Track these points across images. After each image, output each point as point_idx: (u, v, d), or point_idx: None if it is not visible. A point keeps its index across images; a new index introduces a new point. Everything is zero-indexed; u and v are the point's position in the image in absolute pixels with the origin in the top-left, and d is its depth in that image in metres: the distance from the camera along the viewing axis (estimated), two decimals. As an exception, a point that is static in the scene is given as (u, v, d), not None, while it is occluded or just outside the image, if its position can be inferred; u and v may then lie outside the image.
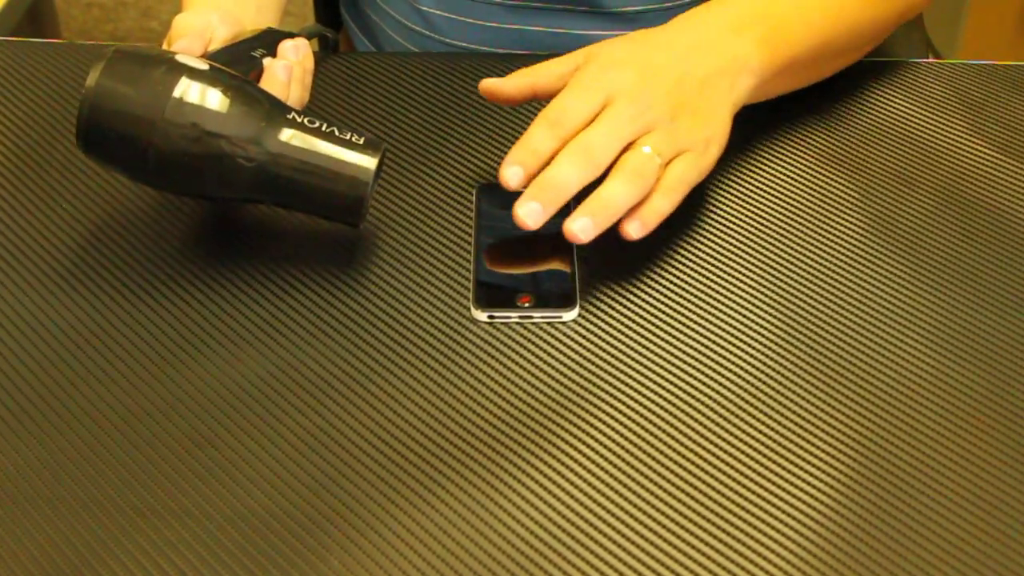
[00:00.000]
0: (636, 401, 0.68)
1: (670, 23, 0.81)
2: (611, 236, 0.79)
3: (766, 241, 0.78)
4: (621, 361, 0.70)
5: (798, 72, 0.85)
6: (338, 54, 0.96)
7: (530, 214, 0.71)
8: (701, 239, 0.78)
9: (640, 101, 0.74)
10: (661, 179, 0.73)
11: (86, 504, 0.62)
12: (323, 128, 0.73)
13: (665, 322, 0.73)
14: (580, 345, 0.71)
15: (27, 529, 0.61)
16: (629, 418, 0.67)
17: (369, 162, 0.72)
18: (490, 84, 0.80)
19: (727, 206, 0.81)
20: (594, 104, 0.74)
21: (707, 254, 0.77)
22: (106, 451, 0.65)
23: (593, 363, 0.70)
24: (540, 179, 0.72)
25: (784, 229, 0.79)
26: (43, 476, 0.64)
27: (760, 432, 0.66)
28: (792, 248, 0.78)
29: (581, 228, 0.71)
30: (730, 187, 0.82)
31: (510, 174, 0.73)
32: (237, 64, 0.76)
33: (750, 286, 0.75)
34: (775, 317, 0.73)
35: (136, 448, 0.65)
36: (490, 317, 0.72)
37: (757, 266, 0.77)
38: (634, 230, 0.72)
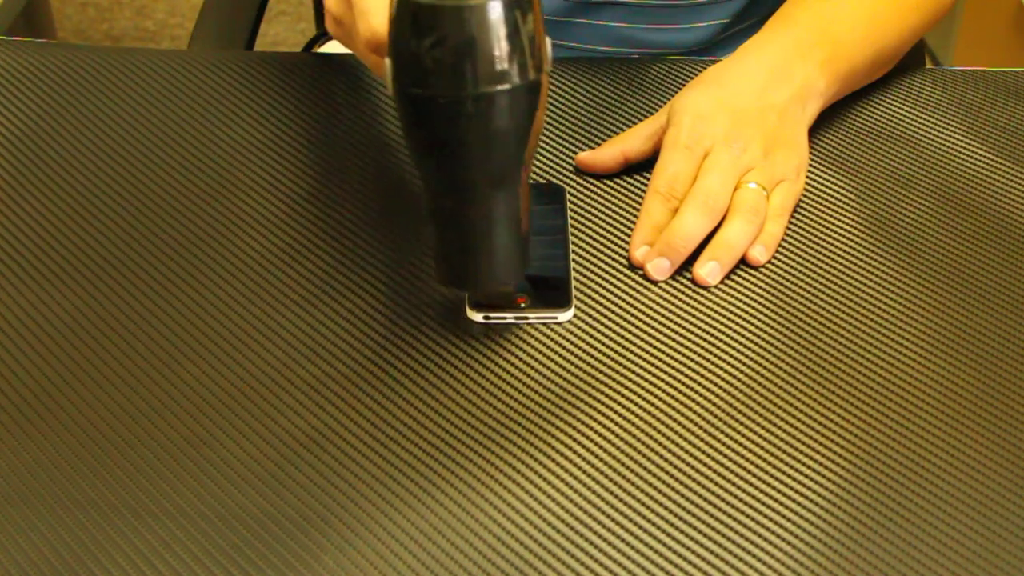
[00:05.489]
0: (631, 401, 0.68)
1: (739, 54, 0.85)
2: (606, 236, 0.79)
3: (762, 243, 0.78)
4: (616, 362, 0.70)
5: (853, 84, 0.89)
6: (333, 55, 0.96)
7: (659, 270, 0.75)
8: (697, 240, 0.78)
9: (737, 145, 0.78)
10: (767, 208, 0.78)
11: (80, 503, 0.62)
12: None
13: (661, 322, 0.73)
14: (575, 346, 0.71)
15: (21, 528, 0.61)
16: (624, 418, 0.67)
17: None
18: (585, 158, 0.84)
19: (723, 208, 0.81)
20: (696, 161, 0.78)
21: (703, 255, 0.77)
22: (100, 451, 0.65)
23: (588, 364, 0.70)
24: (667, 235, 0.75)
25: (780, 231, 0.79)
26: (38, 475, 0.64)
27: (756, 432, 0.66)
28: (789, 248, 0.78)
29: (709, 272, 0.75)
30: (726, 189, 0.83)
31: (641, 254, 0.76)
32: None
33: (747, 286, 0.75)
34: (771, 317, 0.73)
35: (131, 447, 0.65)
36: (486, 318, 0.72)
37: (753, 266, 0.77)
38: (760, 254, 0.77)
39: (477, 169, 0.65)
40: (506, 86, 0.62)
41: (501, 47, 0.61)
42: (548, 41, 0.64)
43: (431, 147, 0.65)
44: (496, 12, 0.61)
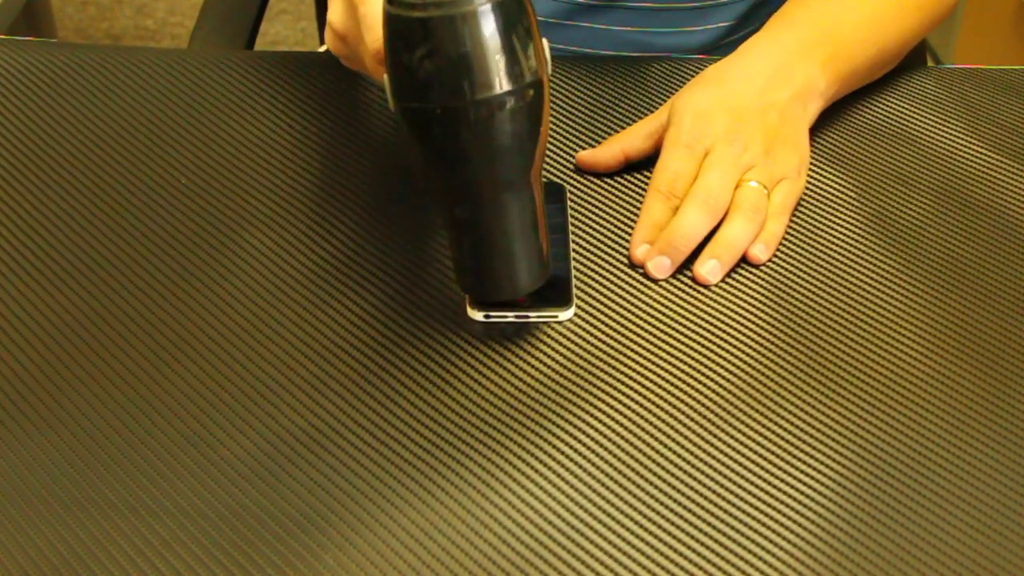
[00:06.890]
0: (632, 400, 0.68)
1: (740, 52, 0.85)
2: (606, 235, 0.79)
3: (763, 241, 0.78)
4: (617, 360, 0.70)
5: (854, 84, 0.89)
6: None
7: (660, 268, 0.75)
8: (698, 239, 0.78)
9: (737, 143, 0.78)
10: (768, 206, 0.78)
11: (80, 502, 0.62)
12: None
13: (661, 321, 0.73)
14: (576, 345, 0.71)
15: (21, 527, 0.61)
16: (625, 417, 0.67)
17: None
18: (585, 156, 0.84)
19: (724, 206, 0.81)
20: (697, 160, 0.78)
21: (704, 254, 0.77)
22: (100, 449, 0.65)
23: (589, 362, 0.70)
24: (668, 234, 0.75)
25: (781, 229, 0.79)
26: (38, 474, 0.64)
27: (756, 431, 0.66)
28: (790, 247, 0.78)
29: (710, 271, 0.75)
30: (727, 187, 0.82)
31: (642, 253, 0.76)
32: None
33: (747, 284, 0.75)
34: (772, 316, 0.73)
35: (131, 446, 0.65)
36: (486, 316, 0.72)
37: (754, 264, 0.77)
38: (761, 253, 0.77)
39: (484, 177, 0.64)
40: (502, 91, 0.61)
41: (493, 53, 0.61)
42: (545, 43, 0.64)
43: (437, 159, 0.64)
44: (485, 18, 0.60)
